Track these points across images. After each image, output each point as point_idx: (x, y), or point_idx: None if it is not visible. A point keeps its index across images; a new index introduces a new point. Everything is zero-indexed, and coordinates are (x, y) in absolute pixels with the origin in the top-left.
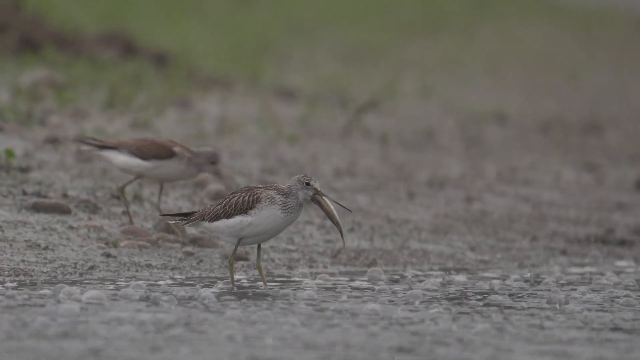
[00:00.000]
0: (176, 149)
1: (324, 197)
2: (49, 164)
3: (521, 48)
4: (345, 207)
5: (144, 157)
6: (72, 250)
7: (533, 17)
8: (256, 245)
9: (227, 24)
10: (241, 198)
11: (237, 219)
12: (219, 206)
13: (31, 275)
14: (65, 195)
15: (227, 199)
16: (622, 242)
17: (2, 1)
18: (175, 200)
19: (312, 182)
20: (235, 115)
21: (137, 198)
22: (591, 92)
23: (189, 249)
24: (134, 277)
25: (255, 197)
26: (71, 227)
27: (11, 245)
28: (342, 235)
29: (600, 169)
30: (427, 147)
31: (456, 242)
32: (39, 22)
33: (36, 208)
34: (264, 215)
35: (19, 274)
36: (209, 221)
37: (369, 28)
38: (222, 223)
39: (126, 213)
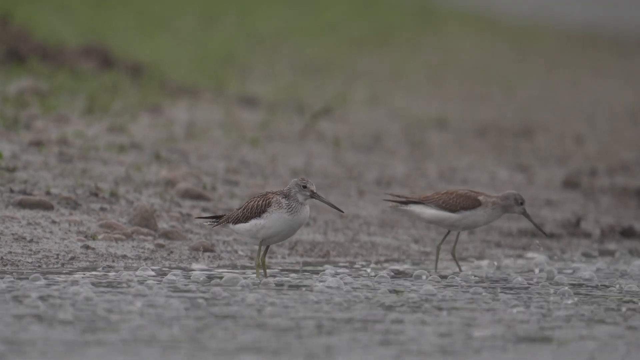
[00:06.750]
0: (480, 198)
1: (320, 199)
2: (33, 165)
3: (460, 60)
4: (338, 209)
5: (452, 210)
6: (55, 242)
7: (471, 32)
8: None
9: (195, 39)
10: (256, 203)
11: (253, 222)
12: (240, 210)
13: (17, 266)
14: (48, 193)
15: (246, 204)
16: (551, 235)
17: None
18: (148, 197)
19: (308, 185)
20: (202, 120)
21: (114, 195)
22: (523, 100)
23: (161, 241)
24: (110, 267)
25: (267, 202)
26: (54, 222)
27: None
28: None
29: (531, 169)
30: (375, 150)
31: (402, 235)
32: (25, 36)
33: (22, 204)
34: (274, 218)
35: (7, 264)
36: (233, 224)
37: (323, 43)
38: (242, 226)
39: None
